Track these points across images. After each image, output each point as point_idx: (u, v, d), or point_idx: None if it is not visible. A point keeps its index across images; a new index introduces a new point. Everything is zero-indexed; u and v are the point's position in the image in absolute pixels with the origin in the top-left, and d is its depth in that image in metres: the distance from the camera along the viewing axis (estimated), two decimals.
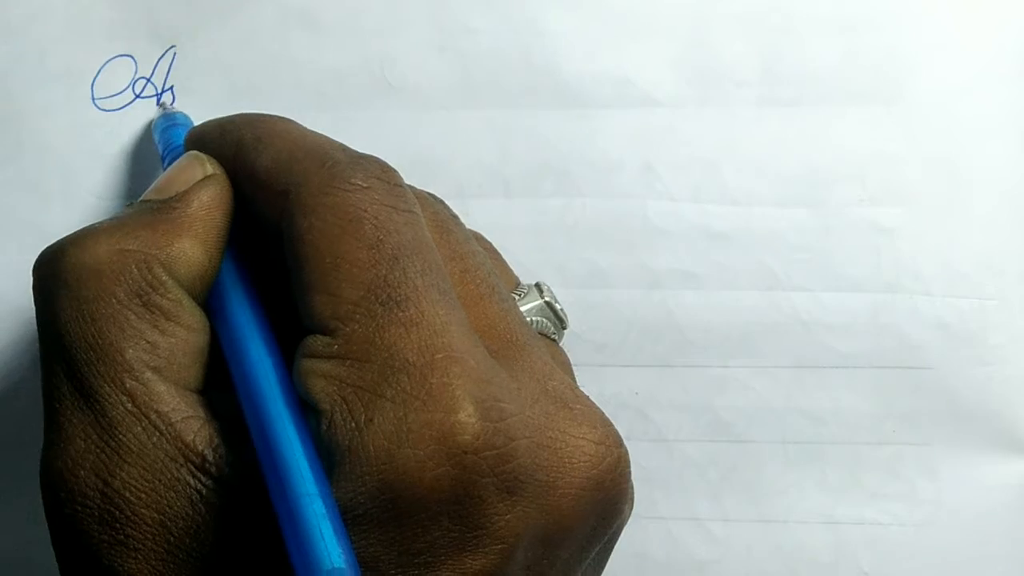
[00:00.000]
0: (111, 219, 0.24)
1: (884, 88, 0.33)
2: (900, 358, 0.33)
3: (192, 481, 0.21)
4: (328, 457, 0.20)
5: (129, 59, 0.33)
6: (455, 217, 0.26)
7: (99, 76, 0.33)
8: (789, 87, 0.33)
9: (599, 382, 0.29)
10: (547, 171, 0.33)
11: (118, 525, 0.21)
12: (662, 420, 0.34)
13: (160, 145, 0.31)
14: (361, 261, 0.22)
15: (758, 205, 0.33)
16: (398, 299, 0.21)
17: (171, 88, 0.33)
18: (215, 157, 0.26)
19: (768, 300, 0.34)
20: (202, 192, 0.25)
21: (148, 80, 0.33)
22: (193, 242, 0.24)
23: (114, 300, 0.22)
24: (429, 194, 0.26)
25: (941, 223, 0.33)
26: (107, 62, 0.33)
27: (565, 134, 0.33)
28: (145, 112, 0.33)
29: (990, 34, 0.33)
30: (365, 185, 0.23)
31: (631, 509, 0.24)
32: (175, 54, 0.33)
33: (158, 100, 0.33)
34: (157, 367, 0.22)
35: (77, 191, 0.33)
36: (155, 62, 0.33)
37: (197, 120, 0.32)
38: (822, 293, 0.33)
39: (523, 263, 0.29)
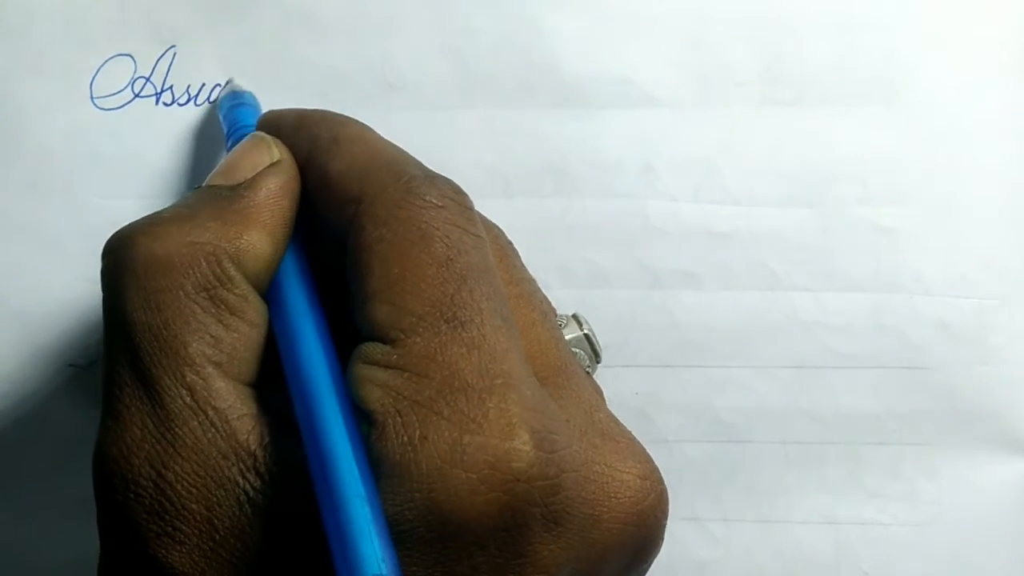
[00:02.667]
0: (180, 206, 0.24)
1: (884, 88, 0.33)
2: (900, 358, 0.33)
3: (241, 481, 0.21)
4: (376, 468, 0.20)
5: (128, 58, 0.33)
6: (511, 244, 0.26)
7: (98, 75, 0.33)
8: (789, 87, 0.33)
9: (599, 382, 0.29)
10: (547, 171, 0.33)
11: (167, 517, 0.21)
12: (662, 420, 0.34)
13: (225, 124, 0.31)
14: (430, 277, 0.22)
15: (758, 205, 0.33)
16: (463, 319, 0.22)
17: (231, 79, 0.33)
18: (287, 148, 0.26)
19: (768, 300, 0.34)
20: (270, 179, 0.25)
21: (147, 79, 0.33)
22: (261, 233, 0.24)
23: (182, 293, 0.22)
24: (488, 220, 0.26)
25: (941, 223, 0.33)
26: (106, 61, 0.33)
27: (565, 134, 0.33)
28: (144, 112, 0.33)
29: (990, 34, 0.33)
30: (439, 204, 0.23)
31: (662, 545, 0.24)
32: (175, 54, 0.33)
33: (157, 100, 0.33)
34: (218, 362, 0.22)
35: (76, 190, 0.33)
36: (155, 62, 0.33)
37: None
38: (822, 293, 0.33)
39: (524, 265, 0.29)
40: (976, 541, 0.34)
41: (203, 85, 0.33)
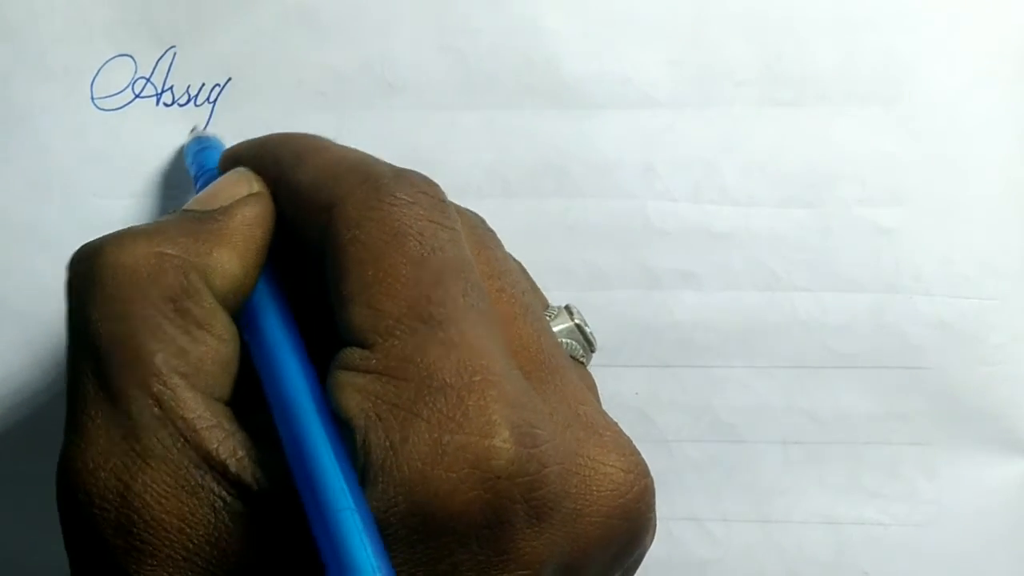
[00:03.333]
0: (151, 223, 0.24)
1: (884, 88, 0.33)
2: (900, 358, 0.33)
3: (216, 488, 0.21)
4: (360, 473, 0.20)
5: (128, 59, 0.33)
6: (492, 232, 0.26)
7: (98, 76, 0.33)
8: (789, 87, 0.33)
9: (599, 382, 0.29)
10: (547, 171, 0.33)
11: (135, 530, 0.21)
12: (662, 420, 0.34)
13: (192, 168, 0.31)
14: (404, 277, 0.22)
15: (758, 205, 0.33)
16: (439, 318, 0.21)
17: (195, 127, 0.33)
18: None
19: (768, 300, 0.34)
20: (246, 208, 0.25)
21: (148, 80, 0.33)
22: (231, 254, 0.24)
23: (148, 302, 0.22)
24: (467, 209, 0.26)
25: (941, 223, 0.33)
26: (107, 62, 0.33)
27: (565, 134, 0.33)
28: (145, 112, 0.33)
29: (990, 34, 0.33)
30: (410, 200, 0.23)
31: (652, 539, 0.24)
32: (175, 54, 0.33)
33: (157, 100, 0.33)
34: (185, 373, 0.22)
35: (76, 190, 0.33)
36: (155, 62, 0.33)
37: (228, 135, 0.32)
38: (822, 293, 0.33)
39: (523, 263, 0.29)
40: (976, 541, 0.34)
41: (203, 85, 0.33)
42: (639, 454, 0.24)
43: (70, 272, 0.23)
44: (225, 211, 0.24)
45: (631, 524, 0.23)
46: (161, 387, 0.22)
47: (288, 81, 0.33)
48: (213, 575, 0.21)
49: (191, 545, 0.21)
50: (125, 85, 0.33)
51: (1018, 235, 0.34)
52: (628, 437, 0.24)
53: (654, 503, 0.24)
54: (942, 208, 0.33)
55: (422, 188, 0.23)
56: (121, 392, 0.22)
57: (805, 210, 0.33)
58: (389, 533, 0.20)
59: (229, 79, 0.33)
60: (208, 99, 0.33)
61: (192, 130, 0.33)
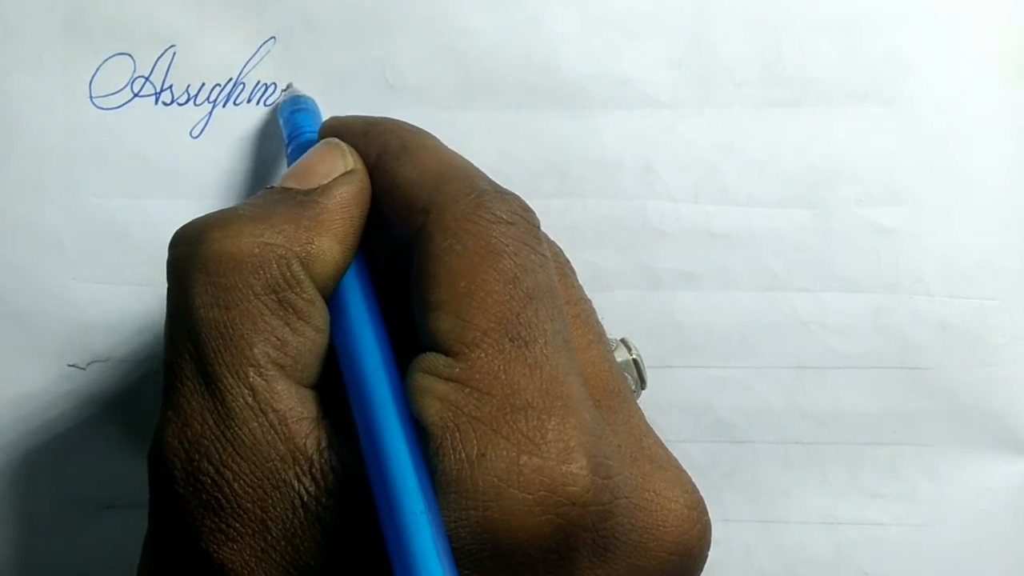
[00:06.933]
0: (253, 205, 0.24)
1: (884, 88, 0.33)
2: (900, 358, 0.33)
3: (296, 485, 0.21)
4: (432, 482, 0.20)
5: (128, 57, 0.33)
6: (569, 263, 0.26)
7: (97, 74, 0.33)
8: (789, 87, 0.33)
9: None
10: (547, 171, 0.33)
11: (223, 514, 0.21)
12: (662, 421, 0.34)
13: (286, 129, 0.30)
14: (496, 293, 0.22)
15: (758, 205, 0.34)
16: (527, 339, 0.22)
17: (290, 84, 0.33)
18: None
19: (768, 300, 0.34)
20: (343, 187, 0.25)
21: (147, 79, 0.33)
22: (332, 240, 0.24)
23: (251, 293, 0.22)
24: (550, 239, 0.26)
25: (941, 223, 0.33)
26: (105, 60, 0.33)
27: (565, 134, 0.33)
28: (144, 111, 0.33)
29: (989, 35, 0.34)
30: (509, 220, 0.23)
31: (701, 573, 0.24)
32: (174, 53, 0.33)
33: (156, 99, 0.33)
34: (282, 365, 0.22)
35: (75, 189, 0.33)
36: (154, 61, 0.33)
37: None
38: (822, 293, 0.33)
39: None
40: (976, 541, 0.34)
41: (203, 85, 0.33)
42: (699, 492, 0.24)
43: (173, 252, 0.24)
44: (324, 191, 0.24)
45: (690, 560, 0.23)
46: (257, 377, 0.22)
47: (288, 81, 0.33)
48: (286, 570, 0.21)
49: (269, 537, 0.21)
50: (124, 84, 0.33)
51: (1018, 235, 0.34)
52: (688, 473, 0.24)
53: (711, 541, 0.24)
54: (942, 208, 0.33)
55: (520, 212, 0.24)
56: (218, 379, 0.22)
57: (805, 210, 0.33)
58: (457, 547, 0.20)
59: (229, 79, 0.33)
60: (208, 99, 0.33)
61: (287, 88, 0.33)
